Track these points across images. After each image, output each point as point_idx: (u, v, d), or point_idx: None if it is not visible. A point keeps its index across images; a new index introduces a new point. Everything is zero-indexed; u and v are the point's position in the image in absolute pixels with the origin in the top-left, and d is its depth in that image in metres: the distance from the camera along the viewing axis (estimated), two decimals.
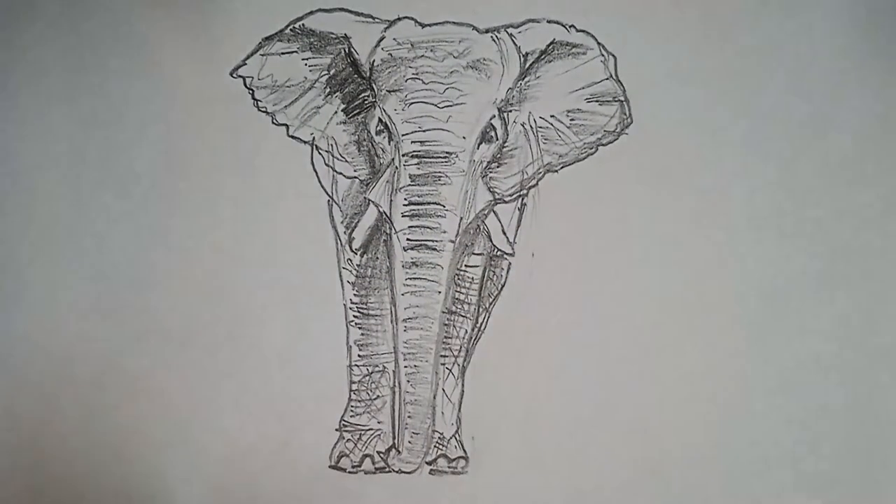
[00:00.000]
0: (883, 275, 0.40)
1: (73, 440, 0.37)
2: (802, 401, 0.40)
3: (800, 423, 0.40)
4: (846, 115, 0.40)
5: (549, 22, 0.38)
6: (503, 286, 0.38)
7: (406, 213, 0.38)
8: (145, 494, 0.37)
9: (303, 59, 0.38)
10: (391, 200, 0.38)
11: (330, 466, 0.38)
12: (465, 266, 0.38)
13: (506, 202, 0.38)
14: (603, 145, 0.39)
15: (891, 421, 0.40)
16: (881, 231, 0.40)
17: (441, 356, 0.38)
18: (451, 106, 0.37)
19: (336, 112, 0.38)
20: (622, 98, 0.39)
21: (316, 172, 0.38)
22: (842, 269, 0.40)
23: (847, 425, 0.40)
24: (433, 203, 0.38)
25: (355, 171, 0.38)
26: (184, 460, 0.37)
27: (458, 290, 0.38)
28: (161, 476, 0.37)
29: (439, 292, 0.38)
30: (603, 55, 0.38)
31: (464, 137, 0.38)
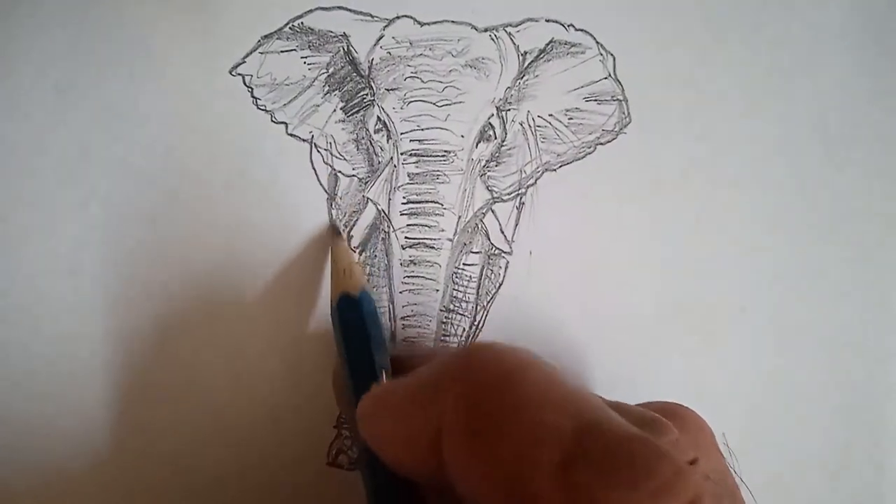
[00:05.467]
0: (890, 276, 0.40)
1: (70, 439, 0.37)
2: (811, 404, 0.40)
3: (805, 425, 0.40)
4: (851, 113, 0.40)
5: (547, 21, 0.38)
6: (501, 284, 0.38)
7: (404, 212, 0.38)
8: (140, 491, 0.37)
9: (302, 58, 0.38)
10: (389, 199, 0.38)
11: (327, 463, 0.38)
12: (463, 264, 0.38)
13: (504, 201, 0.38)
14: (601, 144, 0.39)
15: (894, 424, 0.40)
16: (888, 230, 0.40)
17: None
18: (449, 105, 0.37)
19: (335, 110, 0.38)
20: (621, 97, 0.39)
21: (315, 170, 0.38)
22: (848, 271, 0.40)
23: (851, 428, 0.40)
24: (431, 201, 0.38)
25: (354, 169, 0.38)
26: (179, 458, 0.37)
27: (456, 288, 0.38)
28: (156, 473, 0.37)
29: (437, 290, 0.38)
30: (602, 54, 0.38)
31: (462, 136, 0.38)
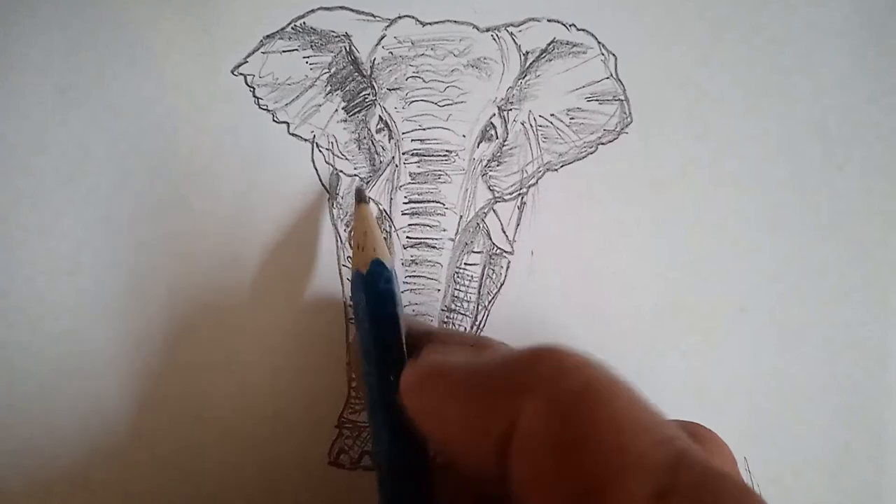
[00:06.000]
0: (890, 276, 0.40)
1: (70, 440, 0.37)
2: (811, 404, 0.40)
3: (805, 425, 0.40)
4: (851, 113, 0.40)
5: (549, 21, 0.38)
6: (502, 284, 0.38)
7: (406, 212, 0.38)
8: (140, 491, 0.37)
9: (304, 58, 0.38)
10: (391, 198, 0.38)
11: (329, 463, 0.38)
12: (465, 264, 0.38)
13: (505, 200, 0.38)
14: (603, 144, 0.39)
15: (893, 423, 0.40)
16: (888, 230, 0.40)
17: None
18: (451, 104, 0.38)
19: (336, 110, 0.38)
20: (622, 97, 0.39)
21: (316, 170, 0.38)
22: (848, 271, 0.40)
23: (851, 428, 0.40)
24: (433, 201, 0.38)
25: (356, 168, 0.38)
26: (179, 457, 0.37)
27: (458, 288, 0.38)
28: (156, 473, 0.37)
29: (439, 290, 0.38)
30: (603, 54, 0.38)
31: (464, 136, 0.38)
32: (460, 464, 0.27)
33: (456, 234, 0.38)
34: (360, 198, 0.35)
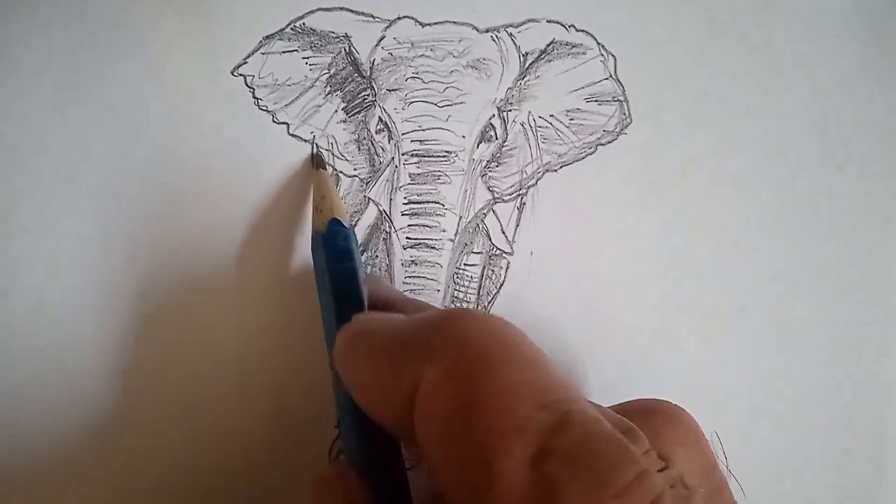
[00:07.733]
0: (890, 276, 0.40)
1: (70, 439, 0.37)
2: (811, 404, 0.40)
3: (805, 425, 0.40)
4: (851, 113, 0.40)
5: (548, 21, 0.38)
6: (502, 285, 0.38)
7: (405, 212, 0.38)
8: (141, 492, 0.37)
9: (303, 58, 0.38)
10: (391, 199, 0.38)
11: (329, 463, 0.38)
12: (464, 265, 0.38)
13: (505, 201, 0.38)
14: (602, 145, 0.39)
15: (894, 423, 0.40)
16: (888, 230, 0.40)
17: None
18: (450, 105, 0.38)
19: (336, 111, 0.38)
20: (622, 98, 0.39)
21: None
22: (848, 271, 0.40)
23: (851, 428, 0.40)
24: (432, 202, 0.38)
25: (355, 169, 0.38)
26: (179, 457, 0.37)
27: (457, 288, 0.38)
28: (156, 473, 0.37)
29: (438, 291, 0.38)
30: (602, 55, 0.38)
31: (463, 136, 0.38)
32: (381, 424, 0.28)
33: (455, 234, 0.38)
34: (318, 163, 0.37)
